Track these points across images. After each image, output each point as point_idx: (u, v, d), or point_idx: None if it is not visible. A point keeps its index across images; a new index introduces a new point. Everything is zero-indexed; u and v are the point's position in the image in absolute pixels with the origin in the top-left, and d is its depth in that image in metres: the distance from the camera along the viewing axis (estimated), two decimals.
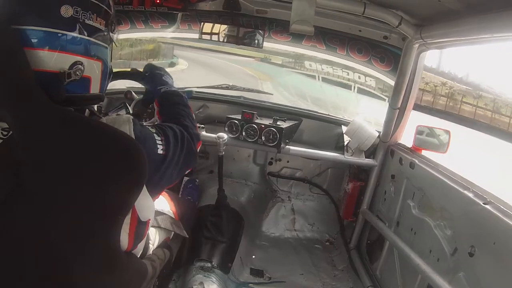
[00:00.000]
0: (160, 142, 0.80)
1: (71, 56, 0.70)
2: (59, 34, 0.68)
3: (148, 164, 0.72)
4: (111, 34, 0.79)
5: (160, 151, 0.79)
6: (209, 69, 9.03)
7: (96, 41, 0.74)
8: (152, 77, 1.15)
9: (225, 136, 1.69)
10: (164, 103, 1.06)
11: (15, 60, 0.64)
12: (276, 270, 1.85)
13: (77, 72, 0.70)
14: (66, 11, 0.68)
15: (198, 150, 0.97)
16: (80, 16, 0.70)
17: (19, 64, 0.64)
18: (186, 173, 1.00)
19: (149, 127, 0.83)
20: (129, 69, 1.26)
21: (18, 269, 0.63)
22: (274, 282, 1.77)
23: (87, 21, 0.71)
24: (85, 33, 0.71)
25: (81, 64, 0.71)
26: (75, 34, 0.69)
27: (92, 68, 0.74)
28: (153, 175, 0.76)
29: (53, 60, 0.68)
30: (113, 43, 0.81)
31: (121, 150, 0.68)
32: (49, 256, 0.65)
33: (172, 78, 1.19)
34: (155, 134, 0.81)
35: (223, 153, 1.73)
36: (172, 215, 1.28)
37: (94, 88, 0.76)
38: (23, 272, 0.64)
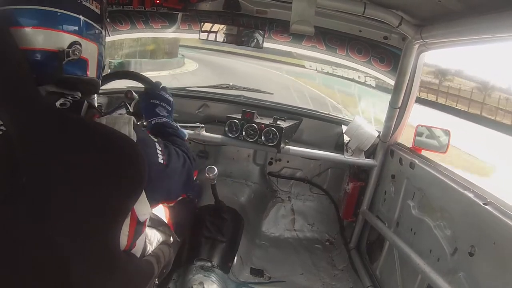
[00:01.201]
0: (160, 152, 0.79)
1: (69, 35, 0.72)
2: (58, 13, 0.70)
3: (148, 169, 0.71)
4: (105, 20, 0.81)
5: (160, 160, 0.78)
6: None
7: (93, 23, 0.76)
8: (145, 106, 1.10)
9: (215, 170, 1.63)
10: (157, 135, 0.98)
11: (12, 62, 0.64)
12: (276, 270, 1.85)
13: (76, 52, 0.72)
14: None
15: (194, 179, 0.94)
16: None
17: (16, 66, 0.64)
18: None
19: (152, 136, 0.82)
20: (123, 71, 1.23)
21: (17, 269, 0.64)
22: (274, 281, 1.78)
23: (84, 3, 0.74)
24: (83, 14, 0.74)
25: (79, 44, 0.73)
26: (73, 14, 0.72)
27: (89, 50, 0.76)
28: (154, 182, 0.75)
29: (52, 39, 0.70)
30: (107, 31, 0.83)
31: (119, 151, 0.68)
32: (49, 256, 0.65)
33: (170, 106, 1.11)
34: (156, 143, 0.80)
35: (215, 181, 1.69)
36: (164, 218, 1.25)
37: (91, 72, 0.78)
38: (23, 272, 0.64)
